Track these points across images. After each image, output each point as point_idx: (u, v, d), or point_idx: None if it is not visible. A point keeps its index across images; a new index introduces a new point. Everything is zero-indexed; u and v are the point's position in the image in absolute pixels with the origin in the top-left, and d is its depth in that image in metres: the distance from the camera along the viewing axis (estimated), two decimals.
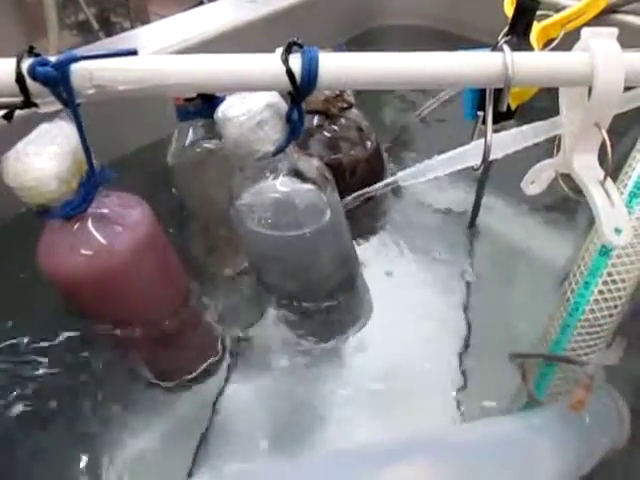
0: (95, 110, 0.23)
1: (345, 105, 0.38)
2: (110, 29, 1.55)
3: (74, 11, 1.54)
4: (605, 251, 0.28)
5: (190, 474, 0.32)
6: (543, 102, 0.34)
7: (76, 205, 0.25)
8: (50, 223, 0.26)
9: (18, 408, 0.35)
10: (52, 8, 1.24)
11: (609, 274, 0.28)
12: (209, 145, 0.34)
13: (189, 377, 0.36)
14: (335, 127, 0.39)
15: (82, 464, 0.33)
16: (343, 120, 0.39)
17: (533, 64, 0.23)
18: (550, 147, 0.28)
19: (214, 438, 0.33)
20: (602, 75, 0.22)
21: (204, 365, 0.36)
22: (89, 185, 0.25)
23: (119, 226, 0.27)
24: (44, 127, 0.24)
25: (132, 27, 0.57)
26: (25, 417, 0.35)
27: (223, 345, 0.38)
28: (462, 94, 0.35)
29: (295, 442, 0.33)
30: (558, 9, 0.45)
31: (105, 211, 0.27)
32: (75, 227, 0.26)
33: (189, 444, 0.33)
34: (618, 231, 0.24)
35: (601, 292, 0.29)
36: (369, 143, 0.41)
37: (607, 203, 0.24)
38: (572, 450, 0.24)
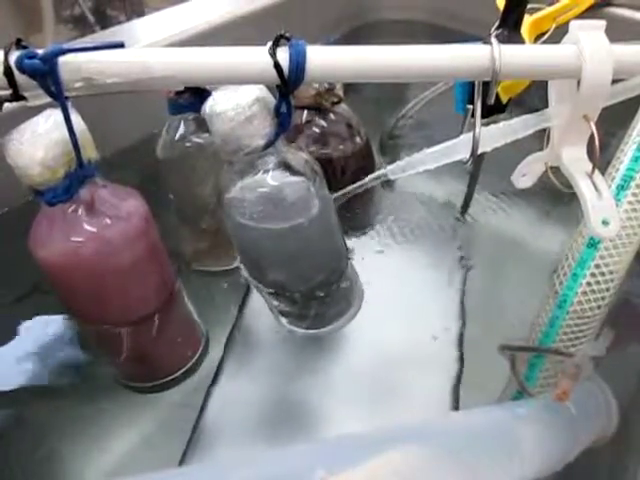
0: (92, 103, 0.23)
1: (335, 99, 0.38)
2: (106, 23, 1.55)
3: (70, 5, 1.54)
4: (593, 243, 0.29)
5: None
6: (536, 95, 0.34)
7: (59, 193, 0.25)
8: (43, 210, 0.27)
9: None
10: (48, 2, 1.24)
11: (597, 266, 0.29)
12: (199, 140, 0.34)
13: (173, 376, 0.35)
14: (324, 122, 0.39)
15: (64, 463, 0.33)
16: (332, 115, 0.39)
17: (521, 57, 0.23)
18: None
19: (206, 431, 0.33)
20: (590, 68, 0.22)
21: (188, 361, 0.36)
22: (74, 177, 0.25)
23: (112, 216, 0.27)
24: (47, 112, 0.25)
25: (128, 20, 0.57)
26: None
27: (207, 338, 0.38)
28: (451, 90, 0.35)
29: (289, 432, 0.33)
30: (550, 2, 0.45)
31: (100, 201, 0.27)
32: (67, 214, 0.26)
33: (181, 440, 0.33)
34: (606, 223, 0.24)
35: (589, 284, 0.29)
36: (358, 139, 0.41)
37: (595, 195, 0.24)
38: (557, 439, 0.24)
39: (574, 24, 0.23)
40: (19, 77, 0.20)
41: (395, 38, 0.70)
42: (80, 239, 0.26)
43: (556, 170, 0.27)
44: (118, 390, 0.36)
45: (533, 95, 0.38)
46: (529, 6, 0.38)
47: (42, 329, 0.39)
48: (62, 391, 0.37)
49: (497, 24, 0.37)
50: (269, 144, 0.26)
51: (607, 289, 0.29)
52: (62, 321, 0.39)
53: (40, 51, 0.20)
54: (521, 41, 0.38)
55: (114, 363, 0.35)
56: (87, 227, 0.26)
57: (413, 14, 0.71)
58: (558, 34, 0.42)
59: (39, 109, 0.24)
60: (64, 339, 0.39)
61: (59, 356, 0.38)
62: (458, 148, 0.29)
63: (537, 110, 0.30)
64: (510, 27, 0.37)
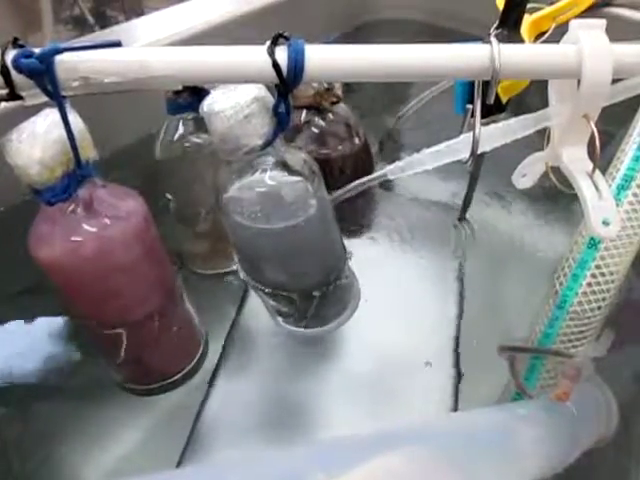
0: (91, 102, 0.23)
1: (334, 99, 0.38)
2: (105, 23, 1.55)
3: (69, 5, 1.54)
4: (593, 243, 0.28)
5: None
6: (536, 95, 0.34)
7: (57, 193, 0.25)
8: (42, 210, 0.27)
9: None
10: (47, 2, 1.24)
11: (597, 267, 0.28)
12: (197, 140, 0.34)
13: (173, 378, 0.35)
14: (323, 123, 0.39)
15: (63, 463, 0.33)
16: (331, 115, 0.39)
17: (521, 56, 0.23)
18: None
19: (204, 432, 0.33)
20: (590, 67, 0.22)
21: (188, 363, 0.36)
22: (73, 176, 0.25)
23: (111, 216, 0.27)
24: (46, 112, 0.24)
25: (127, 21, 0.58)
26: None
27: (206, 339, 0.38)
28: (451, 90, 0.35)
29: (286, 433, 0.33)
30: (550, 2, 0.45)
31: (98, 201, 0.27)
32: (66, 214, 0.26)
33: (178, 442, 0.33)
34: (606, 223, 0.24)
35: (589, 285, 0.29)
36: (357, 139, 0.41)
37: (595, 195, 0.24)
38: (558, 440, 0.24)
39: (574, 23, 0.23)
40: (16, 76, 0.20)
41: (394, 38, 0.70)
42: (79, 239, 0.26)
43: (556, 170, 0.27)
44: (117, 390, 0.36)
45: (533, 95, 0.38)
46: (529, 6, 0.38)
47: (40, 329, 0.39)
48: (61, 392, 0.37)
49: (497, 24, 0.37)
50: (267, 143, 0.26)
51: (607, 290, 0.29)
52: (61, 321, 0.39)
53: (37, 50, 0.20)
54: (521, 41, 0.38)
55: (113, 365, 0.35)
56: (86, 227, 0.26)
57: (412, 14, 0.71)
58: (558, 34, 0.42)
59: (39, 109, 0.24)
60: (63, 339, 0.39)
61: (57, 356, 0.38)
62: (458, 148, 0.29)
63: (537, 110, 0.30)
64: (510, 27, 0.37)
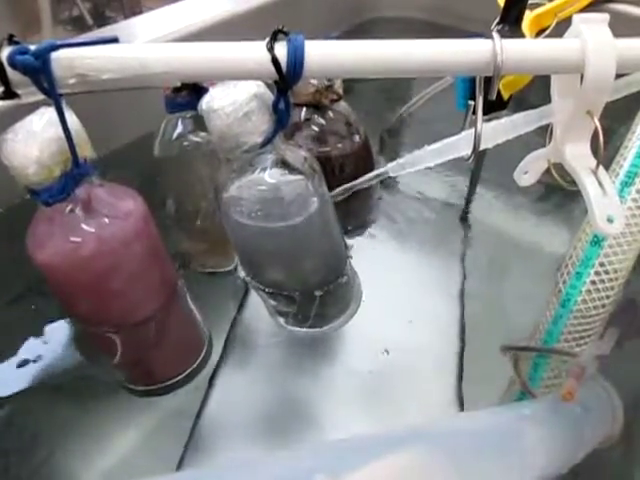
0: (90, 101, 0.23)
1: (335, 97, 0.38)
2: (104, 24, 1.54)
3: (68, 6, 1.53)
4: (597, 241, 0.28)
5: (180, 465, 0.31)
6: (539, 91, 0.33)
7: (54, 193, 0.24)
8: (40, 210, 0.26)
9: None
10: (46, 3, 1.24)
11: (601, 264, 0.28)
12: (196, 139, 0.34)
13: (176, 378, 0.35)
14: (323, 120, 0.39)
15: (63, 465, 0.33)
16: (331, 113, 0.39)
17: (523, 51, 0.22)
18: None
19: (204, 434, 0.33)
20: (593, 62, 0.22)
21: (193, 363, 0.36)
22: (70, 176, 0.24)
23: (110, 216, 0.27)
24: (42, 110, 0.24)
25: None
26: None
27: (210, 339, 0.38)
28: (452, 88, 0.35)
29: (287, 434, 0.33)
30: None
31: (97, 201, 0.27)
32: (64, 215, 0.26)
33: (179, 442, 0.33)
34: (610, 220, 0.23)
35: (593, 282, 0.28)
36: (357, 137, 0.40)
37: (599, 192, 0.24)
38: (563, 440, 0.24)
39: (577, 18, 0.23)
40: (11, 73, 0.20)
41: (394, 36, 0.69)
42: (78, 239, 0.26)
43: (558, 166, 0.27)
44: (118, 392, 0.35)
45: (534, 92, 0.38)
46: (530, 2, 0.38)
47: (40, 330, 0.39)
48: (61, 392, 0.36)
49: (498, 20, 0.37)
50: (267, 141, 0.26)
51: (612, 287, 0.28)
52: (61, 322, 0.39)
53: (32, 47, 0.20)
54: (522, 37, 0.38)
55: (115, 366, 0.35)
56: (85, 227, 0.26)
57: (412, 12, 0.71)
58: (559, 31, 0.41)
59: (34, 108, 0.24)
60: (63, 340, 0.38)
61: (58, 357, 0.38)
62: (459, 145, 0.29)
63: (539, 107, 0.30)
64: (511, 23, 0.37)
